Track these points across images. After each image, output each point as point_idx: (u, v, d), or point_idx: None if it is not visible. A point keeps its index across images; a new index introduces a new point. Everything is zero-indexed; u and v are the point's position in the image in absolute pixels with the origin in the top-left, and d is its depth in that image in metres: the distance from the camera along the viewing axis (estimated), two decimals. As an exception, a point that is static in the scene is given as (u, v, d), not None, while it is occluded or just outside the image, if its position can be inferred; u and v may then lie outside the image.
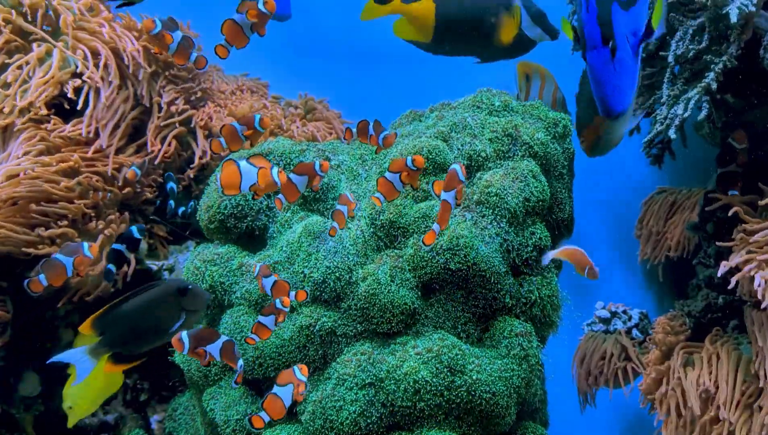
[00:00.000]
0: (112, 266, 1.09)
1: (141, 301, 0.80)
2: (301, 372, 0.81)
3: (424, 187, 1.01)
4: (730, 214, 1.04)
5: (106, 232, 1.17)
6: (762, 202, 1.06)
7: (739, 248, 1.00)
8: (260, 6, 0.83)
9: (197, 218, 1.11)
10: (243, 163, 0.82)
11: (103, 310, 0.82)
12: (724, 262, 0.98)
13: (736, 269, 1.01)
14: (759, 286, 0.93)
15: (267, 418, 0.81)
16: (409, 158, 0.87)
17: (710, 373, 1.03)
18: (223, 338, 0.82)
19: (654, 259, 1.49)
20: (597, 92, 0.87)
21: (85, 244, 0.88)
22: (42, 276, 0.86)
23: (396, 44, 1.86)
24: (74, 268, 0.87)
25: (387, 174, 0.88)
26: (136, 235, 1.09)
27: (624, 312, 1.43)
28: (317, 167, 0.86)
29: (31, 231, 1.13)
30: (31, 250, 1.12)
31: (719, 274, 0.99)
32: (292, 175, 0.86)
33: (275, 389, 0.81)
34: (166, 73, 1.32)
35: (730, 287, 0.99)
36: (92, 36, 1.26)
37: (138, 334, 0.81)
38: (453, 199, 0.86)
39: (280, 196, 0.88)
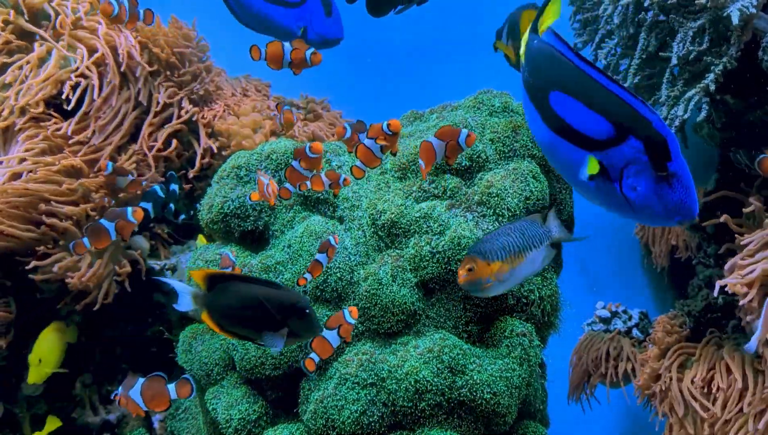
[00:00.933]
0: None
1: (259, 291, 0.75)
2: (351, 315, 0.85)
3: (426, 186, 1.02)
4: (722, 219, 1.05)
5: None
6: (746, 210, 1.07)
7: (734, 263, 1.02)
8: (307, 54, 0.88)
9: (200, 216, 1.11)
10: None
11: (226, 273, 0.79)
12: (718, 282, 0.99)
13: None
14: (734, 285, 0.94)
15: (317, 359, 0.85)
16: (385, 123, 0.85)
17: (707, 372, 1.04)
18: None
19: (655, 259, 1.50)
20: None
21: (129, 209, 0.88)
22: (86, 239, 0.87)
23: (396, 46, 1.87)
24: (117, 233, 0.87)
25: (365, 141, 0.86)
26: (160, 193, 1.07)
27: (624, 312, 1.43)
28: (307, 150, 0.87)
29: (35, 229, 1.13)
30: (35, 235, 1.12)
31: (714, 294, 1.00)
32: (293, 163, 0.89)
33: (324, 333, 0.84)
34: (167, 73, 1.33)
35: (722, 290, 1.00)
36: (91, 34, 1.26)
37: (236, 317, 0.75)
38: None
39: (286, 185, 0.91)
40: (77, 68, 1.22)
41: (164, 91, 1.30)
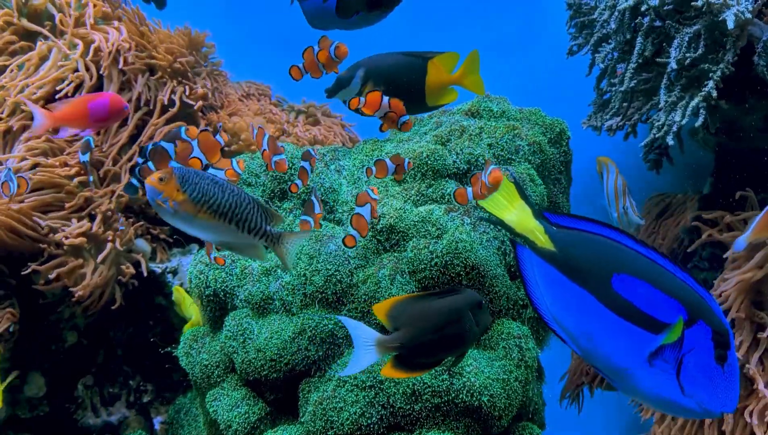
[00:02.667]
0: (135, 181, 1.01)
1: (447, 306, 0.72)
2: (373, 193, 0.88)
3: (424, 190, 1.03)
4: (704, 237, 1.08)
5: (117, 244, 1.18)
6: (727, 219, 1.09)
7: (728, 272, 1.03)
8: (331, 51, 0.88)
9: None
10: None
11: (400, 299, 0.73)
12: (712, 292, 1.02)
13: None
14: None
15: (357, 236, 0.86)
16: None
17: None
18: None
19: None
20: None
21: (183, 128, 0.87)
22: (150, 163, 0.86)
23: (396, 48, 1.87)
24: (176, 154, 0.85)
25: (358, 209, 0.88)
26: (183, 135, 1.04)
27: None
28: (182, 133, 0.87)
29: (38, 230, 1.14)
30: (37, 237, 1.12)
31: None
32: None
33: (357, 210, 0.85)
34: (175, 80, 1.33)
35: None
36: (92, 32, 1.27)
37: (435, 342, 0.71)
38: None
39: (297, 181, 0.92)
40: (76, 69, 1.23)
41: (168, 92, 1.30)
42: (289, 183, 1.08)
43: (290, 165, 1.10)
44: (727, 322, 0.66)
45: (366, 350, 0.71)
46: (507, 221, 0.74)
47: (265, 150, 0.88)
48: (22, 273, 1.14)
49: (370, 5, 1.01)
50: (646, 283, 0.67)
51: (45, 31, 1.27)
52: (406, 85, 0.90)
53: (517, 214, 0.74)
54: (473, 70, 0.89)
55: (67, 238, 1.13)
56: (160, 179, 0.67)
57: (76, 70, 1.24)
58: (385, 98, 0.85)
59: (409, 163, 0.89)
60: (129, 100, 1.28)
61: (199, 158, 0.82)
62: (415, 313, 0.72)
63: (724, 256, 1.03)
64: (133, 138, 1.31)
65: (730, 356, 0.65)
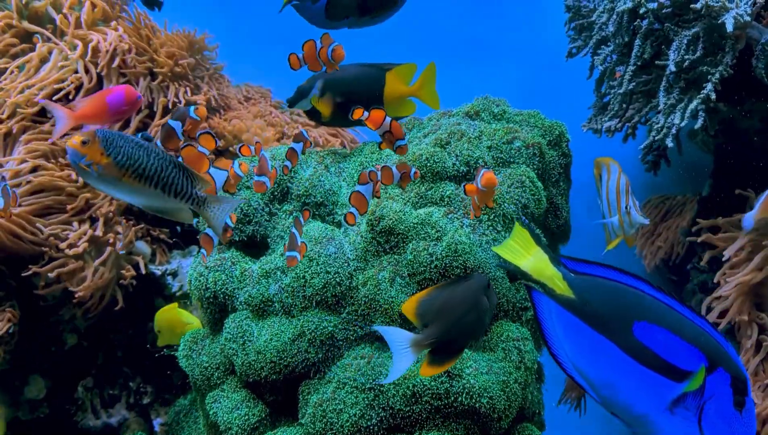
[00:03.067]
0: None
1: (465, 293, 0.74)
2: (377, 168, 0.88)
3: (423, 192, 1.03)
4: (699, 240, 1.08)
5: (117, 247, 1.18)
6: (722, 220, 1.09)
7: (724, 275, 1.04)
8: (328, 52, 0.89)
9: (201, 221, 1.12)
10: (211, 170, 0.87)
11: (423, 295, 0.74)
12: (712, 301, 1.02)
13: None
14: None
15: (357, 214, 0.86)
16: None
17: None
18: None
19: (650, 263, 1.51)
20: None
21: (192, 107, 0.86)
22: (159, 142, 0.85)
23: (395, 53, 1.87)
24: (184, 132, 0.85)
25: (358, 187, 0.88)
26: (192, 114, 1.04)
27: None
28: (191, 112, 0.87)
29: (39, 233, 1.15)
30: (37, 240, 1.13)
31: (714, 316, 1.02)
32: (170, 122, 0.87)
33: (357, 187, 0.86)
34: (176, 83, 1.34)
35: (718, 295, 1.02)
36: (91, 33, 1.27)
37: (462, 329, 0.74)
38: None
39: (286, 162, 0.92)
40: (76, 70, 1.23)
41: (172, 95, 1.31)
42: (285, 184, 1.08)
43: (290, 167, 1.10)
44: (744, 368, 0.67)
45: (403, 353, 0.72)
46: (523, 268, 0.74)
47: (255, 166, 0.88)
48: (23, 274, 1.14)
49: (360, 11, 1.02)
50: (666, 330, 0.68)
51: (46, 32, 1.27)
52: (365, 96, 0.90)
53: (533, 260, 0.73)
54: (429, 82, 0.89)
55: (71, 246, 1.14)
56: (83, 142, 0.66)
57: (77, 71, 1.24)
58: (388, 118, 0.86)
59: (415, 172, 0.89)
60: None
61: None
62: (440, 307, 0.74)
63: (723, 259, 1.04)
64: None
65: (747, 402, 0.66)
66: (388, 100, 0.87)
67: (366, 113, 0.87)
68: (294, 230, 0.88)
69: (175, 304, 1.15)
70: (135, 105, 1.04)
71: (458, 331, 0.74)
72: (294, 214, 1.06)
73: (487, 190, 0.83)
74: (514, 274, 0.82)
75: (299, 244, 0.87)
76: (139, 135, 1.09)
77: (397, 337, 0.73)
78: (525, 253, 0.74)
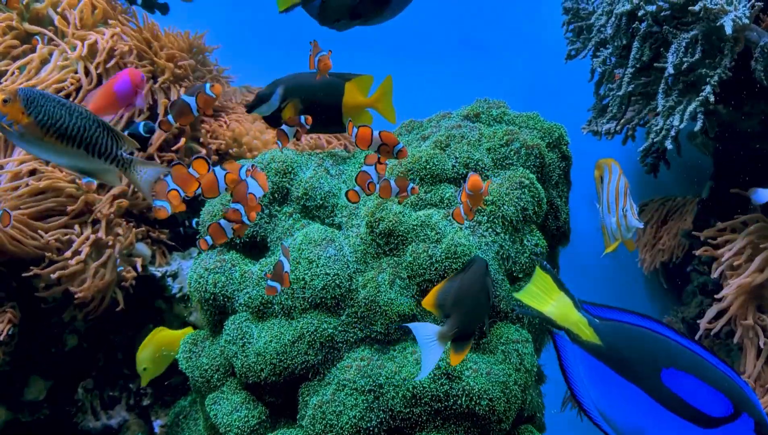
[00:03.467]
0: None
1: (473, 278, 0.77)
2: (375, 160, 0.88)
3: (424, 196, 1.03)
4: (702, 239, 1.07)
5: (116, 248, 1.18)
6: (722, 225, 1.10)
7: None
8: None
9: (200, 225, 1.13)
10: (217, 169, 0.86)
11: (440, 288, 0.77)
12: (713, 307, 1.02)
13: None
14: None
15: (361, 194, 0.86)
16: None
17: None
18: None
19: (650, 265, 1.51)
20: None
21: (208, 84, 0.86)
22: (170, 117, 0.85)
23: (394, 57, 1.88)
24: (199, 107, 0.84)
25: (365, 167, 0.88)
26: (142, 131, 1.05)
27: (619, 318, 1.44)
28: (207, 89, 0.86)
29: (40, 237, 1.15)
30: (38, 245, 1.13)
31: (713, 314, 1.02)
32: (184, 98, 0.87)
33: (363, 168, 0.86)
34: (172, 79, 1.34)
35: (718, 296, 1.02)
36: (91, 33, 1.27)
37: (477, 313, 0.78)
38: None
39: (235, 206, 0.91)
40: (76, 70, 1.24)
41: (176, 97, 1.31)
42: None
43: (289, 170, 1.10)
44: (765, 413, 0.68)
45: (432, 346, 0.74)
46: (547, 314, 0.73)
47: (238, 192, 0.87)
48: (23, 275, 1.14)
49: (352, 15, 1.03)
50: (693, 376, 0.68)
51: (48, 32, 1.27)
52: (324, 104, 0.91)
53: (557, 306, 0.73)
54: (386, 95, 0.90)
55: (75, 254, 1.14)
56: (4, 101, 0.65)
57: (77, 71, 1.24)
58: (375, 132, 0.87)
59: (413, 188, 0.89)
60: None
61: (177, 190, 0.81)
62: (456, 296, 0.77)
63: (723, 258, 1.04)
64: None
65: None
66: (345, 109, 0.88)
67: (355, 129, 0.88)
68: (282, 258, 0.87)
69: (155, 332, 1.13)
70: (141, 85, 1.05)
71: (474, 315, 0.77)
72: (293, 217, 1.06)
73: (475, 193, 0.83)
74: (536, 317, 0.82)
75: (285, 272, 0.86)
76: (141, 124, 1.09)
77: (425, 331, 0.74)
78: (547, 298, 0.75)
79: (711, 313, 1.00)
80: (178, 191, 0.80)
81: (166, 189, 0.81)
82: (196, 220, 1.26)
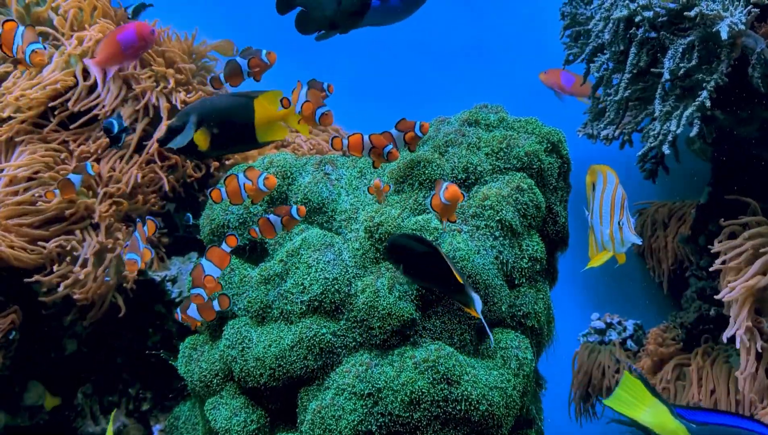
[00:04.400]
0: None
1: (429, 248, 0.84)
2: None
3: (423, 200, 1.04)
4: (713, 253, 1.07)
5: (116, 253, 1.18)
6: (725, 223, 1.09)
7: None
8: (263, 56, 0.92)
9: (200, 229, 1.13)
10: (241, 176, 0.88)
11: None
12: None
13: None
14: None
15: (382, 185, 0.90)
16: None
17: (699, 388, 1.06)
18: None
19: (649, 271, 1.52)
20: None
21: (264, 51, 0.87)
22: (222, 76, 0.88)
23: (393, 62, 1.89)
24: (250, 69, 0.88)
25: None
26: (264, 57, 1.00)
27: (619, 323, 1.44)
28: (263, 55, 0.89)
29: (41, 248, 1.15)
30: (39, 257, 1.14)
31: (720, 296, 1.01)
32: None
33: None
34: (178, 89, 1.34)
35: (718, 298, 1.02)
36: (89, 32, 1.27)
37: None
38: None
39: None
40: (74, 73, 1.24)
41: (179, 101, 1.31)
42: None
43: (288, 175, 1.11)
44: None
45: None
46: (642, 422, 0.73)
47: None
48: (25, 281, 1.14)
49: (330, 26, 1.06)
50: None
51: (50, 30, 1.27)
52: (238, 125, 0.92)
53: (651, 413, 0.72)
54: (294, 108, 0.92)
55: (84, 265, 1.14)
56: None
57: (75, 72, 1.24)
58: (366, 137, 0.89)
59: (385, 186, 0.92)
60: (136, 111, 1.29)
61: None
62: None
63: (720, 260, 1.03)
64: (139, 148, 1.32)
65: None
66: (258, 126, 0.89)
67: (345, 140, 0.89)
68: (203, 260, 0.87)
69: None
70: (148, 39, 1.04)
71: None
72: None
73: (451, 204, 0.84)
74: (631, 426, 0.81)
75: (205, 276, 0.86)
76: (116, 122, 1.09)
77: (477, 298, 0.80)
78: (640, 404, 0.74)
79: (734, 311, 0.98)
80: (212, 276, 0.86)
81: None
82: (195, 220, 1.26)
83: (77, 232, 1.18)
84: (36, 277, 1.13)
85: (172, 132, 0.91)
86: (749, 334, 1.01)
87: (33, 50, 0.89)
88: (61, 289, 1.13)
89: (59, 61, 1.25)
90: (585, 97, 1.49)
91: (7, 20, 0.91)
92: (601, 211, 0.94)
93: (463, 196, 0.84)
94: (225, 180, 0.92)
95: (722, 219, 1.12)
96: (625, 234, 0.94)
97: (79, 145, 1.24)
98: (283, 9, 1.03)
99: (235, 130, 0.92)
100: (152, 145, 1.27)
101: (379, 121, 1.28)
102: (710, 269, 1.07)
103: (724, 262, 1.04)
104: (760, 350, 0.99)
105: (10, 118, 1.22)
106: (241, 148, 1.05)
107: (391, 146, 0.89)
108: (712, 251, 1.05)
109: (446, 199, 0.83)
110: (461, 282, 0.82)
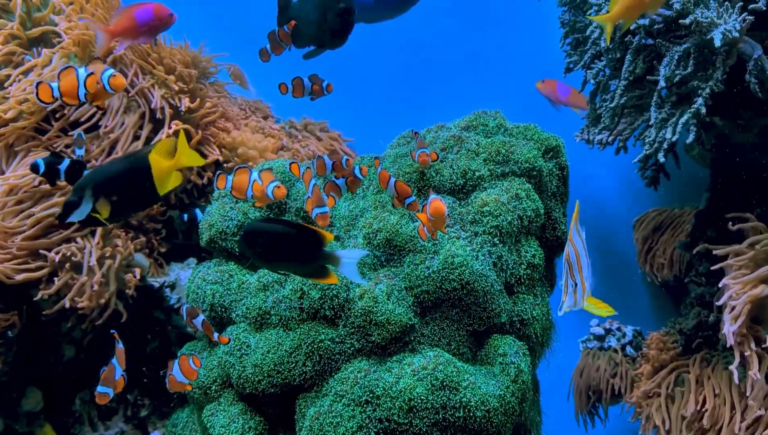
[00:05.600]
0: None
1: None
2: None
3: (420, 206, 1.04)
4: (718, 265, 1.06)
5: (116, 260, 1.19)
6: (733, 227, 1.09)
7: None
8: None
9: (199, 234, 1.13)
10: (254, 174, 0.88)
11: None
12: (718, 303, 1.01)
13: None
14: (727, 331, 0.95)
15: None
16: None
17: (699, 394, 1.05)
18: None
19: (648, 277, 1.51)
20: None
21: (286, 26, 0.94)
22: (268, 46, 0.98)
23: (393, 67, 1.89)
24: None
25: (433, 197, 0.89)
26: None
27: (618, 329, 1.44)
28: (285, 27, 0.97)
29: (44, 262, 1.15)
30: (44, 272, 1.14)
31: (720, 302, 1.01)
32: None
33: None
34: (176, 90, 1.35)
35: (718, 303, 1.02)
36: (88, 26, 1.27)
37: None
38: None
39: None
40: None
41: (184, 107, 1.32)
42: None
43: (287, 179, 1.11)
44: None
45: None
46: None
47: (309, 197, 0.91)
48: (33, 298, 1.14)
49: (319, 44, 1.10)
50: None
51: (56, 29, 1.27)
52: (137, 186, 0.89)
53: None
54: (183, 146, 0.90)
55: (90, 274, 1.15)
56: None
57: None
58: (392, 179, 0.95)
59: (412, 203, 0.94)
60: (142, 116, 1.29)
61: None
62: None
63: (724, 262, 1.02)
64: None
65: None
66: (157, 180, 0.88)
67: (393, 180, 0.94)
68: (114, 361, 0.88)
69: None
70: (165, 21, 1.04)
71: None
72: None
73: (436, 218, 0.84)
74: None
75: (117, 379, 0.86)
76: (41, 160, 1.08)
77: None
78: None
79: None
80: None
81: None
82: (185, 214, 1.27)
83: (78, 239, 1.19)
84: (41, 293, 1.13)
85: (69, 207, 0.87)
86: (745, 339, 1.00)
87: (112, 75, 0.89)
88: (67, 303, 1.13)
89: (59, 63, 1.25)
90: (579, 108, 1.51)
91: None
92: (578, 261, 0.82)
93: (445, 211, 0.84)
94: (236, 170, 0.91)
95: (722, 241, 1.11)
96: (568, 298, 0.82)
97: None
98: (282, 22, 1.04)
99: (135, 190, 0.89)
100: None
101: (380, 125, 1.28)
102: (712, 268, 1.06)
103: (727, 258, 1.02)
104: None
105: (10, 119, 1.22)
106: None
107: (413, 199, 0.93)
108: (714, 253, 1.04)
109: (430, 214, 0.84)
110: (321, 235, 0.79)
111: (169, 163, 0.89)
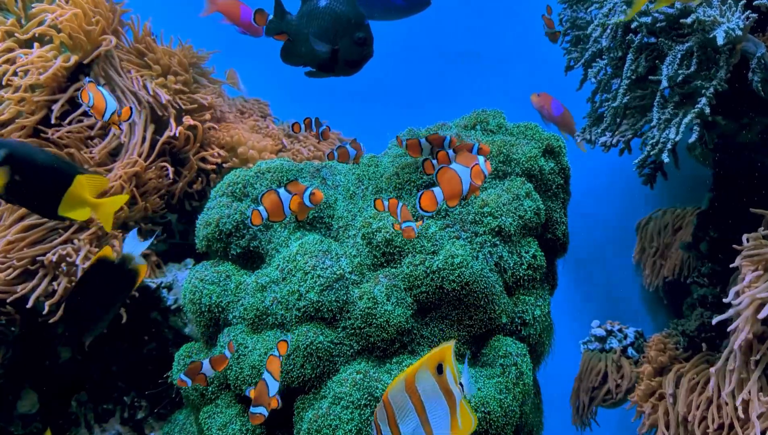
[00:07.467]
0: None
1: None
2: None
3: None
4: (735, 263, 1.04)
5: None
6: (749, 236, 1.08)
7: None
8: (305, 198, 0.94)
9: (195, 233, 1.12)
10: (282, 191, 0.89)
11: None
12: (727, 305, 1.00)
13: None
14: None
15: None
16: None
17: (699, 395, 1.04)
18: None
19: (652, 280, 1.50)
20: None
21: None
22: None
23: (395, 66, 1.89)
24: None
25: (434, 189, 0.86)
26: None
27: (620, 330, 1.43)
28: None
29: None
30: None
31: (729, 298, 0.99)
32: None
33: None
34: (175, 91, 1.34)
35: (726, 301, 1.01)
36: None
37: None
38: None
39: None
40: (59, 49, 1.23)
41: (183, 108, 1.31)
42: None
43: (285, 180, 1.10)
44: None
45: None
46: None
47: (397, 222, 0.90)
48: (27, 307, 1.14)
49: (321, 67, 1.07)
50: None
51: (51, 28, 1.26)
52: (47, 186, 0.84)
53: None
54: (108, 209, 0.87)
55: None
56: None
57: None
58: (400, 203, 0.90)
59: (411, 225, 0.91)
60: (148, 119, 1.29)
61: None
62: None
63: (732, 265, 1.01)
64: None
65: None
66: (67, 199, 0.83)
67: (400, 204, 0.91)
68: (266, 376, 0.83)
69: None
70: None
71: None
72: (288, 228, 1.05)
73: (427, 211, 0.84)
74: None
75: (271, 397, 0.83)
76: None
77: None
78: None
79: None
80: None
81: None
82: (200, 210, 1.26)
83: (76, 241, 1.18)
84: (48, 304, 1.12)
85: None
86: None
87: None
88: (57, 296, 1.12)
89: (55, 48, 1.24)
90: (567, 133, 1.51)
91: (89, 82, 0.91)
92: None
93: (437, 204, 0.83)
94: (262, 197, 0.90)
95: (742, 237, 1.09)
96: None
97: (80, 152, 1.24)
98: (271, 32, 1.02)
99: (41, 188, 0.83)
100: (143, 154, 1.27)
101: (380, 124, 1.27)
102: (731, 266, 1.04)
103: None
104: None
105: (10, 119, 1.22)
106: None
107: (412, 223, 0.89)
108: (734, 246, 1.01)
109: (422, 208, 0.83)
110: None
111: (86, 197, 0.85)
